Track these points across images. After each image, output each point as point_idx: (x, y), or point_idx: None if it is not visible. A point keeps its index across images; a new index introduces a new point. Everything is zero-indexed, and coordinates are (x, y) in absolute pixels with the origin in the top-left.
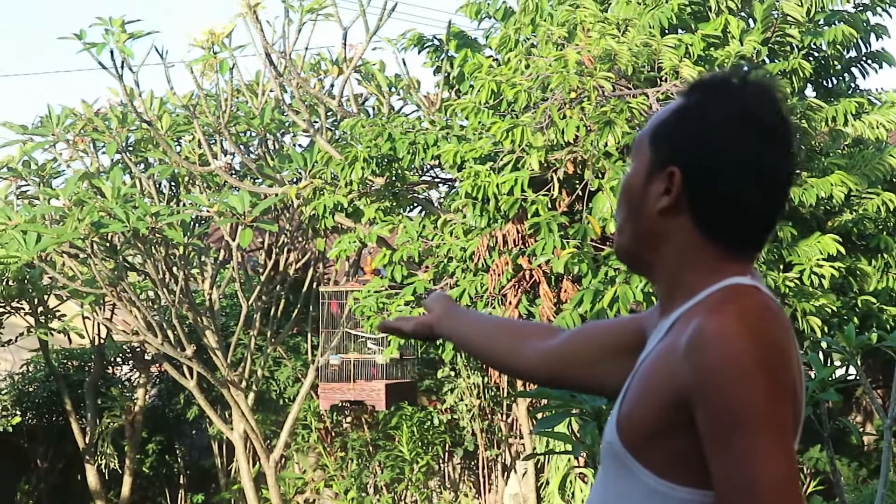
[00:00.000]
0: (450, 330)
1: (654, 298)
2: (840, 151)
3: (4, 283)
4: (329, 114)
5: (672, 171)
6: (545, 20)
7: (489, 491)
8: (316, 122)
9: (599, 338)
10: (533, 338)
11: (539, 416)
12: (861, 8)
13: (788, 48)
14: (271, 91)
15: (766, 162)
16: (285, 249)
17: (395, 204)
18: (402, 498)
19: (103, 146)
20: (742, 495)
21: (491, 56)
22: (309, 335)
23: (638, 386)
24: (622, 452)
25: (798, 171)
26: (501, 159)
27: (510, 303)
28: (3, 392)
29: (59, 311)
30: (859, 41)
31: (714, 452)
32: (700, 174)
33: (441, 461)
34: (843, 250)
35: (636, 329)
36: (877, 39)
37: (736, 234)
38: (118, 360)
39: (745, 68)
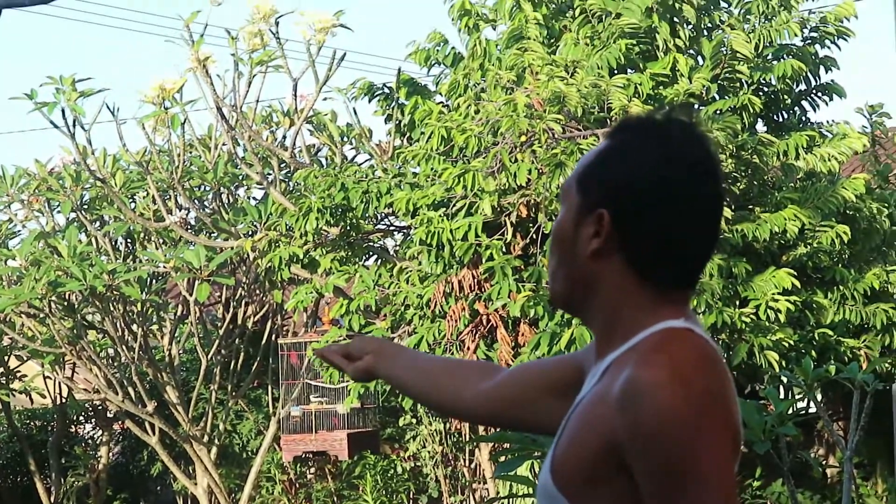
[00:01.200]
0: (386, 373)
1: None
2: (793, 185)
3: None
4: (282, 165)
5: (601, 214)
6: (493, 64)
7: None
8: (269, 174)
9: (537, 377)
10: (472, 378)
11: (501, 459)
12: (809, 41)
13: (738, 84)
14: (224, 144)
15: (694, 199)
16: (243, 302)
17: (350, 253)
18: None
19: (58, 205)
20: None
21: (441, 102)
22: (270, 387)
23: (571, 430)
24: (556, 496)
25: (725, 206)
26: (454, 205)
27: (468, 348)
28: None
29: (19, 371)
30: (808, 74)
31: None
32: (628, 214)
33: None
34: (798, 284)
35: (574, 367)
36: (826, 72)
37: (669, 273)
38: (80, 418)
39: (668, 108)
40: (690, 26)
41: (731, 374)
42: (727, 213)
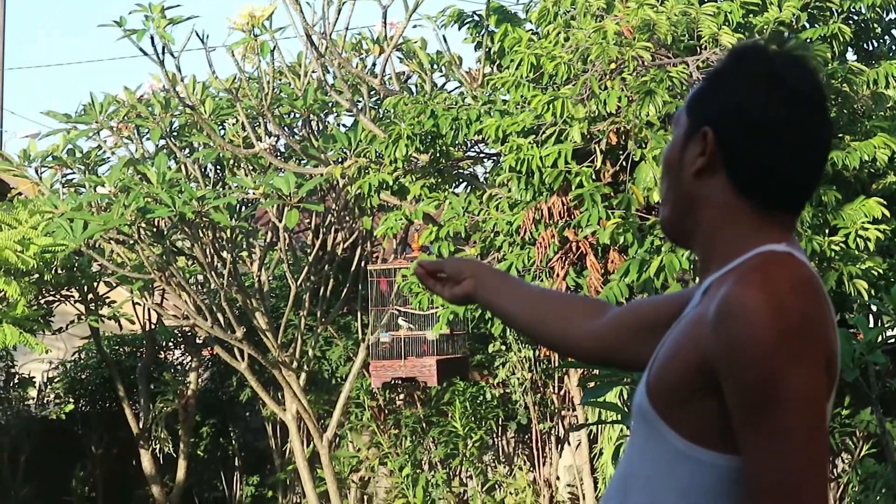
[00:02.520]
0: (487, 299)
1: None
2: (883, 114)
3: (53, 272)
4: (372, 93)
5: (705, 131)
6: None
7: (544, 464)
8: (359, 101)
9: (648, 316)
10: (581, 316)
11: (590, 385)
12: None
13: (828, 13)
14: (313, 72)
15: (797, 122)
16: (332, 229)
17: (440, 180)
18: (457, 473)
19: (147, 132)
20: (769, 475)
21: (531, 30)
22: (359, 314)
23: (668, 350)
24: (651, 415)
25: (834, 135)
26: (544, 132)
27: (558, 275)
28: (56, 380)
29: (108, 297)
30: None
31: (742, 428)
32: (732, 133)
33: (495, 435)
34: (888, 213)
35: (683, 304)
36: None
37: (771, 194)
38: (170, 344)
39: (778, 38)
40: None
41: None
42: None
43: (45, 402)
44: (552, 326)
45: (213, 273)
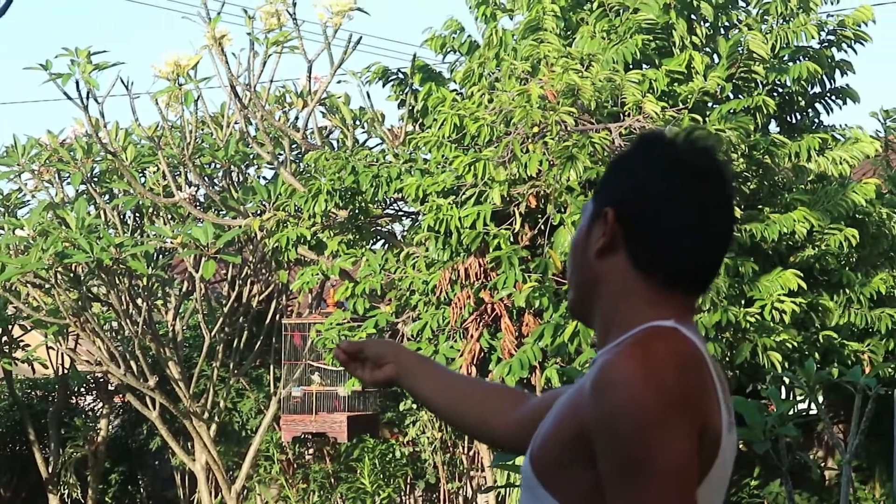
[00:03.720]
0: (409, 386)
1: None
2: (803, 187)
3: None
4: (293, 146)
5: (606, 212)
6: (509, 55)
7: None
8: (280, 154)
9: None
10: (498, 404)
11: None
12: (826, 44)
13: (753, 84)
14: (236, 123)
15: (695, 204)
16: (248, 281)
17: (358, 237)
18: None
19: (68, 177)
20: None
21: (455, 90)
22: (272, 367)
23: (552, 419)
24: (534, 483)
25: (737, 219)
26: (464, 193)
27: (472, 336)
28: None
29: (22, 340)
30: (824, 77)
31: (612, 496)
32: (631, 213)
33: (403, 494)
34: (804, 285)
35: None
36: (841, 76)
37: (667, 273)
38: (82, 390)
39: (686, 129)
40: (708, 24)
41: (723, 375)
42: (736, 212)
43: None
44: (469, 412)
45: (127, 320)
